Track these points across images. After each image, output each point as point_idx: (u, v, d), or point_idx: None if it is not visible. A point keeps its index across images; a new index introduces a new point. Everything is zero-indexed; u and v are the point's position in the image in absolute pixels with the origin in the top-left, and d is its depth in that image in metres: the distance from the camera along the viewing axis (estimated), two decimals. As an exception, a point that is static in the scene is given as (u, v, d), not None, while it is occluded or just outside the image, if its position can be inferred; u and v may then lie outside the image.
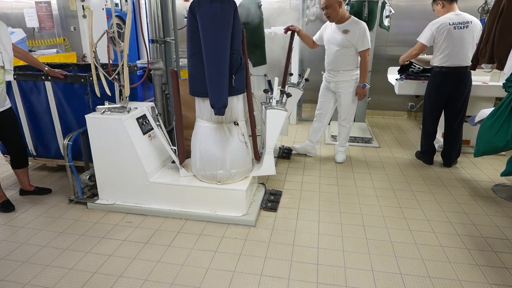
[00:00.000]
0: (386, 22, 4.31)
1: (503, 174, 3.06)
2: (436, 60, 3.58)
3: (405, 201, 3.10)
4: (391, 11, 4.28)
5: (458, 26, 3.44)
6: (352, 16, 3.52)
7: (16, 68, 3.27)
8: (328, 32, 3.63)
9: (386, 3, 4.26)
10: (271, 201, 3.01)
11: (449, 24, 3.45)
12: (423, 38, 3.57)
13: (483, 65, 3.29)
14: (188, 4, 6.20)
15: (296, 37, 3.71)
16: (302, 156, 4.12)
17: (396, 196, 3.19)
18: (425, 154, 3.94)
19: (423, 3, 5.41)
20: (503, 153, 3.98)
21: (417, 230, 2.65)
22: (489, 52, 2.92)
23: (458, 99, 3.58)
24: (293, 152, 4.18)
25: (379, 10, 4.29)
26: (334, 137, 4.53)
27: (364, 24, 3.47)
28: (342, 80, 3.64)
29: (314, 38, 3.83)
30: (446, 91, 3.61)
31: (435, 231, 2.64)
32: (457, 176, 3.61)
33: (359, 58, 3.56)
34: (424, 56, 4.81)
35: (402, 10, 5.37)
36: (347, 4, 4.33)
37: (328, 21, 3.62)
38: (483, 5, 4.71)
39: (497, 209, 2.96)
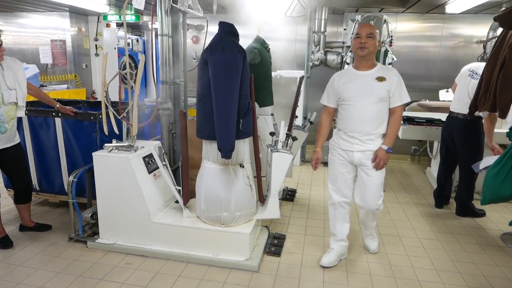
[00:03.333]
0: (388, 68, 4.43)
1: (512, 223, 3.01)
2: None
3: (412, 248, 3.02)
4: (393, 59, 4.42)
5: (472, 75, 3.44)
6: (379, 63, 2.64)
7: (28, 104, 3.35)
8: (352, 84, 2.55)
9: (388, 51, 4.41)
10: (275, 245, 2.95)
11: (469, 71, 3.51)
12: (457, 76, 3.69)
13: (481, 113, 3.32)
14: (197, 46, 6.44)
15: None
16: (306, 198, 4.08)
17: (402, 243, 3.12)
18: (435, 197, 3.96)
19: (423, 49, 5.63)
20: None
21: (425, 281, 2.56)
22: (491, 101, 2.97)
23: (459, 147, 3.57)
24: (297, 194, 4.16)
25: (381, 58, 4.43)
26: None
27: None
28: (371, 150, 2.54)
29: (324, 102, 2.72)
30: (447, 136, 3.65)
31: (444, 282, 2.55)
32: (464, 223, 3.55)
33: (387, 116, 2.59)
34: (426, 102, 4.92)
35: (404, 56, 5.55)
36: (350, 51, 4.48)
37: (336, 74, 2.69)
38: (482, 54, 4.88)
39: (507, 260, 2.88)
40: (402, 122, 4.19)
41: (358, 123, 2.53)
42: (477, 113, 3.29)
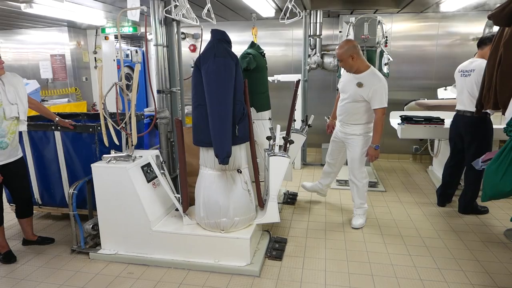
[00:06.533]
0: (385, 69, 4.44)
1: (514, 219, 2.98)
2: None
3: (414, 248, 3.00)
4: (389, 59, 4.43)
5: (463, 74, 3.53)
6: (372, 67, 3.21)
7: (28, 118, 3.39)
8: (345, 79, 3.33)
9: (384, 52, 4.42)
10: (276, 249, 2.94)
11: (459, 72, 3.59)
12: None
13: (488, 110, 3.30)
14: (194, 54, 6.50)
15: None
16: (308, 202, 4.08)
17: (404, 242, 3.10)
18: (438, 195, 3.95)
19: (420, 48, 5.63)
20: (513, 196, 3.90)
21: (428, 280, 2.54)
22: (493, 99, 2.96)
23: (467, 144, 3.55)
24: (298, 197, 4.15)
25: (377, 58, 4.44)
26: (340, 182, 4.50)
27: (383, 79, 3.12)
28: (351, 134, 3.31)
29: (338, 87, 3.49)
30: (455, 134, 3.64)
31: (447, 281, 2.53)
32: (466, 220, 3.52)
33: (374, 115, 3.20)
34: (424, 101, 4.92)
35: (400, 56, 5.56)
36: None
37: None
38: (479, 52, 4.86)
39: (511, 256, 2.85)
40: (400, 121, 4.21)
41: (340, 112, 3.37)
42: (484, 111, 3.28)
